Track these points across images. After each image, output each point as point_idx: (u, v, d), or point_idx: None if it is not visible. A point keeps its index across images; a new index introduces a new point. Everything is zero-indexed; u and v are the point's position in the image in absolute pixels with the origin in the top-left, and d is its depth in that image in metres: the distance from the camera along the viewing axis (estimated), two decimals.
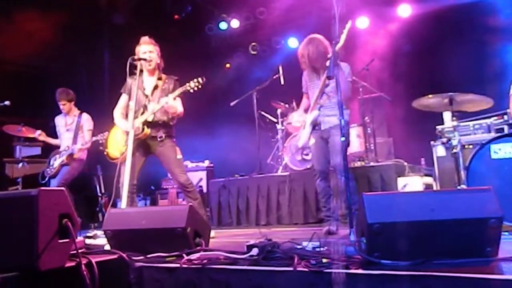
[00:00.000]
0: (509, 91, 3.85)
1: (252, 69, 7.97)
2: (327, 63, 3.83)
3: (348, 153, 4.16)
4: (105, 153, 4.29)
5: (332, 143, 3.94)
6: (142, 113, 3.95)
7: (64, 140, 5.52)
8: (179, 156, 4.05)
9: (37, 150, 6.06)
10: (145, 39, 4.07)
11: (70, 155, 5.34)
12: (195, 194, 4.08)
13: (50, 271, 2.03)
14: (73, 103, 5.59)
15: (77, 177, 5.50)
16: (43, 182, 5.49)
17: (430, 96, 3.64)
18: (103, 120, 6.09)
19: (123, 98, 4.13)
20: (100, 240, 3.05)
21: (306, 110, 4.22)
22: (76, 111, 5.59)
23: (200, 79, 3.84)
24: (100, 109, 6.14)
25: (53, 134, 5.76)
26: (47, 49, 6.50)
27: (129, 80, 4.02)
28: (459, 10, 6.48)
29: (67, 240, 2.12)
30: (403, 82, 6.52)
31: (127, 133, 3.88)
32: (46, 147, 5.96)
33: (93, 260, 2.23)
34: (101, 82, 7.98)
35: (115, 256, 2.48)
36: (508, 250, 2.09)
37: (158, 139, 3.98)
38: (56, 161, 5.41)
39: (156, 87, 4.05)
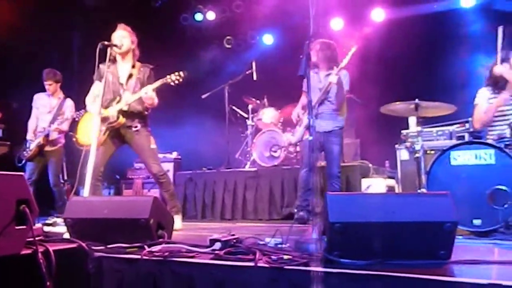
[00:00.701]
0: (473, 100, 3.99)
1: (226, 63, 7.93)
2: (333, 71, 4.16)
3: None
4: (74, 139, 4.20)
5: (329, 150, 4.11)
6: (118, 102, 3.89)
7: (42, 122, 5.40)
8: (153, 145, 4.02)
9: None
10: (120, 25, 4.01)
11: (47, 136, 5.27)
12: (168, 185, 4.05)
13: (4, 258, 1.97)
14: (59, 84, 5.49)
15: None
16: (20, 165, 5.37)
17: (397, 103, 3.76)
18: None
19: (96, 85, 4.04)
20: (60, 228, 2.98)
21: (303, 107, 4.39)
22: (61, 94, 5.52)
23: (181, 73, 3.82)
24: (69, 92, 5.99)
25: (23, 114, 5.57)
26: (13, 29, 6.26)
27: (102, 67, 3.92)
28: (430, 18, 6.66)
29: (24, 226, 2.06)
30: (373, 86, 6.64)
31: (100, 119, 3.82)
32: (9, 128, 5.77)
33: (51, 248, 2.19)
34: (71, 65, 7.77)
35: (74, 245, 2.43)
36: (461, 254, 2.18)
37: (133, 129, 3.93)
38: (33, 144, 5.31)
39: (130, 75, 3.97)
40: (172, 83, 3.85)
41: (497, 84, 3.84)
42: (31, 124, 5.49)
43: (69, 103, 5.48)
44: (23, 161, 5.36)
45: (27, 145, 5.38)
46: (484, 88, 3.96)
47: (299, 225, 3.92)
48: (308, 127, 4.07)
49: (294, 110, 4.51)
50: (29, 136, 5.40)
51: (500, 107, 3.81)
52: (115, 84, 3.93)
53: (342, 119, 4.36)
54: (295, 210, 4.35)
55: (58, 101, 5.46)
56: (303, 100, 4.45)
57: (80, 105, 4.68)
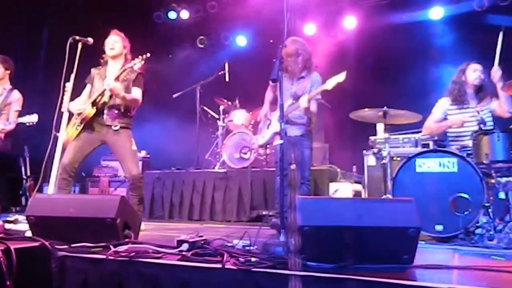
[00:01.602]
0: (432, 107, 4.15)
1: (198, 63, 7.89)
2: (302, 73, 4.01)
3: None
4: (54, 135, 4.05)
5: (300, 154, 3.98)
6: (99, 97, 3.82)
7: None
8: (134, 147, 3.90)
9: None
10: (113, 31, 4.01)
11: None
12: (141, 191, 3.90)
13: None
14: (8, 72, 5.02)
15: (0, 157, 5.10)
16: None
17: (366, 109, 3.85)
18: (34, 97, 5.76)
19: (87, 88, 3.97)
20: (21, 225, 2.90)
21: (271, 107, 4.24)
22: (7, 84, 5.03)
23: (144, 56, 3.80)
24: (33, 86, 5.79)
25: None
26: None
27: (93, 70, 3.92)
28: (400, 29, 6.84)
29: None
30: (343, 91, 6.75)
31: (77, 114, 3.78)
32: None
33: (12, 247, 2.12)
34: (38, 60, 7.54)
35: (36, 244, 2.37)
36: (423, 258, 2.26)
37: (113, 128, 3.82)
38: None
39: (117, 78, 3.88)
40: (135, 67, 3.84)
41: (460, 97, 3.99)
42: None
43: (17, 95, 5.00)
44: None
45: None
46: (444, 98, 4.11)
47: (267, 227, 3.91)
48: (279, 132, 4.03)
49: (262, 109, 4.33)
50: None
51: (455, 127, 3.96)
52: (100, 84, 3.86)
53: (312, 123, 4.25)
54: (269, 214, 4.27)
55: (3, 91, 4.96)
56: (269, 96, 4.28)
57: (47, 102, 4.48)
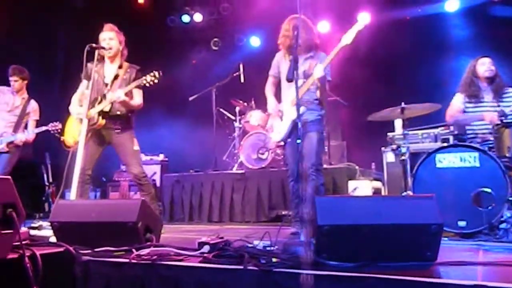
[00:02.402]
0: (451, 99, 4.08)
1: (213, 65, 7.92)
2: (310, 53, 3.66)
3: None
4: (61, 140, 4.13)
5: (309, 141, 3.58)
6: (100, 102, 3.85)
7: (2, 120, 4.98)
8: (136, 147, 3.98)
9: None
10: (107, 26, 3.97)
11: (12, 143, 4.91)
12: (149, 187, 4.02)
13: None
14: (25, 83, 5.15)
15: (23, 163, 5.22)
16: None
17: (383, 111, 3.81)
18: (53, 103, 5.87)
19: (83, 84, 4.00)
20: (46, 231, 2.95)
21: (276, 96, 3.93)
22: (25, 94, 5.17)
23: (156, 73, 3.78)
24: (51, 95, 5.88)
25: None
26: None
27: (89, 66, 3.88)
28: (415, 22, 6.76)
29: (11, 231, 2.03)
30: (359, 88, 6.73)
31: (81, 120, 3.78)
32: None
33: (38, 253, 2.16)
34: (55, 66, 7.67)
35: (61, 249, 2.40)
36: (447, 255, 2.22)
37: (115, 130, 3.90)
38: None
39: (116, 76, 3.95)
40: (147, 84, 3.81)
41: (475, 92, 3.94)
42: None
43: (35, 106, 5.15)
44: None
45: None
46: (459, 95, 4.06)
47: (287, 227, 3.88)
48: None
49: (268, 105, 3.96)
50: None
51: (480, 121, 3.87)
52: (99, 83, 3.91)
53: (323, 108, 3.86)
54: (292, 224, 3.84)
55: (22, 101, 5.10)
56: (271, 90, 3.98)
57: (60, 109, 4.56)
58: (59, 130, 4.74)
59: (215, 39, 8.41)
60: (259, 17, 7.55)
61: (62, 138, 4.12)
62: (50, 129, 4.84)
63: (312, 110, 3.74)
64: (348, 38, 3.46)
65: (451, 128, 4.41)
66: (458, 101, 4.04)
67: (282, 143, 3.84)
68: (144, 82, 3.79)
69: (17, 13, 6.38)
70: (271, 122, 3.94)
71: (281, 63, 3.92)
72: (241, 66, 6.64)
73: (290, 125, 3.71)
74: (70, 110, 4.03)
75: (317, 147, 3.70)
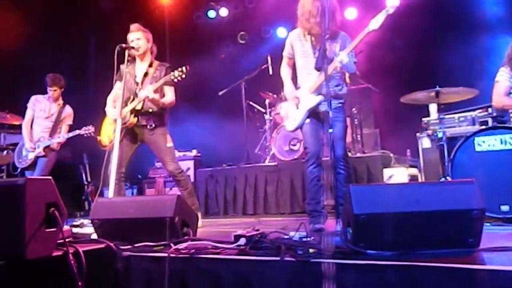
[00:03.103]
0: (494, 78, 3.86)
1: (241, 59, 7.93)
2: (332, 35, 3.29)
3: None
4: (98, 140, 4.25)
5: (334, 130, 3.10)
6: (132, 100, 3.93)
7: (38, 126, 5.24)
8: (170, 144, 4.04)
9: (22, 138, 5.94)
10: (133, 26, 4.03)
11: (48, 147, 5.13)
12: (186, 183, 4.08)
13: (37, 260, 2.02)
14: (62, 90, 5.37)
15: (61, 165, 5.41)
16: (15, 173, 5.25)
17: (417, 92, 3.69)
18: (86, 109, 6.04)
19: (117, 85, 4.10)
20: (87, 229, 3.04)
21: (293, 79, 3.66)
22: (61, 101, 5.40)
23: (184, 68, 3.81)
24: (84, 98, 6.04)
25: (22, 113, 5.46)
26: (30, 36, 6.37)
27: (122, 67, 3.96)
28: (448, 3, 6.52)
29: (54, 229, 2.11)
30: (390, 74, 6.56)
31: (115, 120, 3.86)
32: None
33: (80, 249, 2.23)
34: (86, 70, 7.87)
35: (102, 245, 2.47)
36: (490, 241, 2.15)
37: (148, 127, 3.97)
38: (32, 154, 5.14)
39: (146, 74, 4.02)
40: (175, 80, 3.84)
41: None
42: (26, 128, 5.25)
43: (70, 111, 5.37)
44: (18, 170, 5.20)
45: (23, 154, 5.20)
46: (503, 68, 3.81)
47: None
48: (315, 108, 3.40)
49: (285, 89, 3.69)
50: (28, 145, 5.15)
51: None
52: (131, 83, 4.00)
53: (345, 93, 3.59)
54: (311, 218, 3.51)
55: (57, 107, 5.32)
56: (287, 72, 3.70)
57: (94, 112, 4.69)
58: (91, 133, 4.89)
59: (242, 33, 8.40)
60: (284, 8, 7.47)
61: (98, 138, 4.24)
62: (82, 132, 5.02)
63: (333, 98, 3.35)
64: (376, 22, 3.23)
65: (489, 110, 4.25)
66: (504, 78, 3.72)
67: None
68: (172, 77, 3.83)
69: (48, 20, 6.57)
70: (286, 109, 3.71)
71: (295, 42, 3.60)
72: (269, 58, 6.61)
73: (305, 113, 3.48)
74: (106, 111, 4.13)
75: (343, 137, 3.46)
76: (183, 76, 3.82)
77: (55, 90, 5.27)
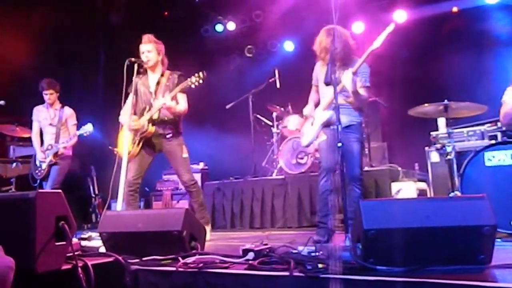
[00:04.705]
0: (501, 97, 3.87)
1: (248, 72, 7.98)
2: (346, 63, 3.54)
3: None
4: (115, 152, 4.26)
5: (348, 149, 3.40)
6: (148, 110, 3.98)
7: (46, 135, 5.30)
8: (185, 154, 4.08)
9: (31, 150, 5.96)
10: (145, 37, 4.08)
11: (56, 154, 5.18)
12: (198, 195, 4.11)
13: (46, 274, 2.02)
14: (57, 95, 5.38)
15: (69, 177, 5.44)
16: (35, 185, 5.27)
17: (426, 104, 3.68)
18: (97, 120, 6.08)
19: (130, 97, 4.13)
20: (95, 242, 3.05)
21: (316, 105, 3.86)
22: (58, 104, 5.40)
23: (201, 74, 3.87)
24: (95, 111, 6.08)
25: (29, 127, 5.53)
26: (41, 49, 6.47)
27: (135, 79, 4.00)
28: (454, 16, 6.54)
29: (64, 242, 2.11)
30: (398, 87, 6.57)
31: (134, 131, 3.93)
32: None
33: (89, 263, 2.23)
34: (96, 83, 7.95)
35: (110, 259, 2.48)
36: (502, 257, 2.12)
37: (166, 137, 4.01)
38: (44, 163, 5.20)
39: (158, 83, 4.07)
40: (193, 85, 3.89)
41: None
42: (36, 140, 5.33)
43: (69, 111, 5.39)
44: (38, 181, 5.24)
45: (38, 164, 5.25)
46: (510, 87, 3.83)
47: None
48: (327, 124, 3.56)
49: (306, 108, 3.94)
50: (39, 156, 5.23)
51: None
52: (146, 94, 4.07)
53: (360, 113, 3.75)
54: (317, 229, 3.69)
55: (55, 112, 5.34)
56: (314, 97, 3.95)
57: (104, 125, 4.73)
58: (88, 134, 4.98)
59: (249, 46, 8.46)
60: (292, 21, 7.55)
61: (115, 150, 4.25)
62: (82, 132, 5.07)
63: (346, 115, 3.57)
64: (378, 42, 3.39)
65: (498, 124, 4.23)
66: (510, 98, 3.73)
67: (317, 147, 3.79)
68: (190, 83, 3.88)
69: (58, 35, 6.65)
70: (304, 127, 3.93)
71: (318, 73, 3.94)
72: (276, 71, 6.64)
73: (318, 128, 3.68)
74: (121, 120, 4.13)
75: (357, 158, 3.59)
76: (200, 81, 3.87)
77: (51, 94, 5.28)
